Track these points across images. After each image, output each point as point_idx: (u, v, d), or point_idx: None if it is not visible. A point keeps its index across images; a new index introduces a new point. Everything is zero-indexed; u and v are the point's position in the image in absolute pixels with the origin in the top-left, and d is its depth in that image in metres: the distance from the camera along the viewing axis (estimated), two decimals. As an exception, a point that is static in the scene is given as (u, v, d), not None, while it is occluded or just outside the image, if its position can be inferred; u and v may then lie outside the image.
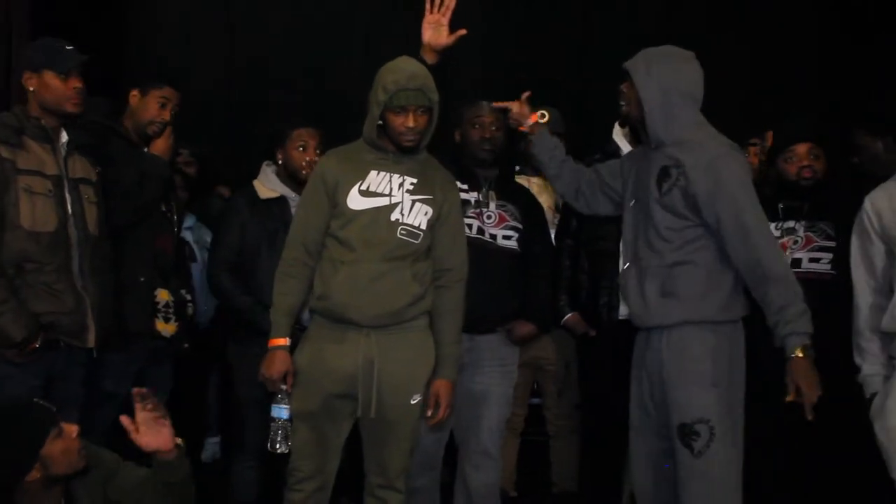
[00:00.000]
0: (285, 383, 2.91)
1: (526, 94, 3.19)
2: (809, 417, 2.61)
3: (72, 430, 2.45)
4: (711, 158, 2.67)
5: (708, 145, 2.71)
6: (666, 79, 2.74)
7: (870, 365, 2.87)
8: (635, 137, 3.55)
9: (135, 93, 3.38)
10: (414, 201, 2.92)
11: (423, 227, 2.92)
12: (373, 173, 2.92)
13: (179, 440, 2.59)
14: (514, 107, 3.19)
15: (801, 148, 3.40)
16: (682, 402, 2.70)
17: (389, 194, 2.90)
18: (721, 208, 2.66)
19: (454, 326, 3.00)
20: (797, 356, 2.60)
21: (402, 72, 2.84)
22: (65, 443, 2.42)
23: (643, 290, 2.79)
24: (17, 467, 2.38)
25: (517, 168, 4.35)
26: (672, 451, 2.74)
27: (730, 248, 2.68)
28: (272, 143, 3.61)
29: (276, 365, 2.89)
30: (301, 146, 3.49)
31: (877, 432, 2.79)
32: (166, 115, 3.36)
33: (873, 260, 2.88)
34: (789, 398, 2.62)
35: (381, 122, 2.88)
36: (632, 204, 2.88)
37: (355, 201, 2.90)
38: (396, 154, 2.92)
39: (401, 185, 2.92)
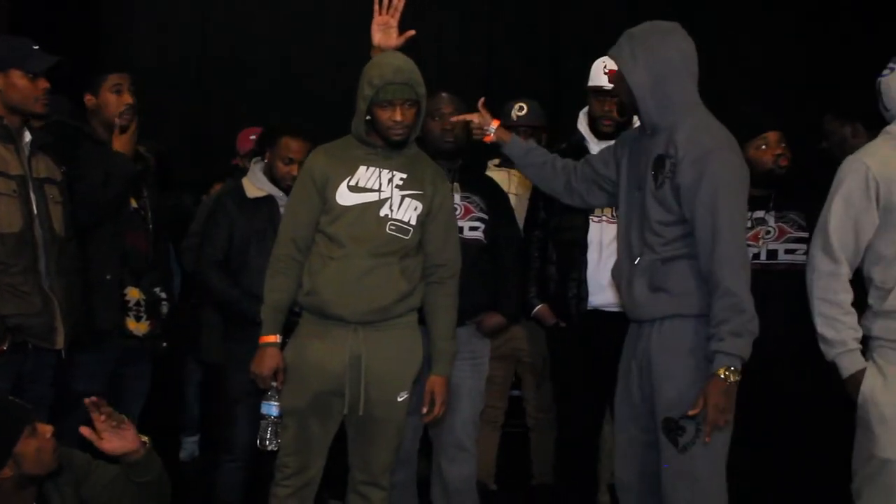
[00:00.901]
0: (276, 380, 2.91)
1: (482, 101, 3.11)
2: (706, 440, 2.53)
3: (46, 429, 2.43)
4: (702, 153, 2.55)
5: (702, 138, 2.59)
6: (652, 59, 2.60)
7: (853, 340, 2.71)
8: (594, 128, 3.57)
9: (88, 96, 3.34)
10: (403, 197, 2.92)
11: (413, 222, 2.92)
12: (362, 168, 2.91)
13: (145, 438, 2.57)
14: (475, 118, 3.09)
15: (773, 136, 3.38)
16: (670, 396, 2.62)
17: (378, 189, 2.90)
18: (697, 205, 2.56)
19: (448, 322, 3.00)
20: (717, 375, 2.50)
21: (387, 66, 2.83)
22: (38, 442, 2.40)
23: (632, 285, 2.72)
24: None
25: (498, 161, 4.34)
26: (656, 444, 2.68)
27: (697, 245, 2.59)
28: (264, 141, 3.59)
29: (267, 361, 2.90)
30: (288, 159, 3.45)
31: (880, 405, 2.65)
32: (127, 99, 3.31)
33: (863, 229, 2.69)
34: (691, 412, 2.53)
35: (368, 117, 2.88)
36: (630, 195, 2.78)
37: (344, 197, 2.89)
38: (385, 149, 2.92)
39: (390, 180, 2.91)
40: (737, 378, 2.50)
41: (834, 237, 2.70)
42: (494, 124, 3.06)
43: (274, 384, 2.90)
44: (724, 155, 2.58)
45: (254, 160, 3.64)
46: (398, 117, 2.83)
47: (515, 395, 4.59)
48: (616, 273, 2.86)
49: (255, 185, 3.53)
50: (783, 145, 3.38)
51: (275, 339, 2.93)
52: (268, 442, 2.92)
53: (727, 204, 2.54)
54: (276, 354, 2.91)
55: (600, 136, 3.51)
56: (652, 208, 2.65)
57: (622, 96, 2.74)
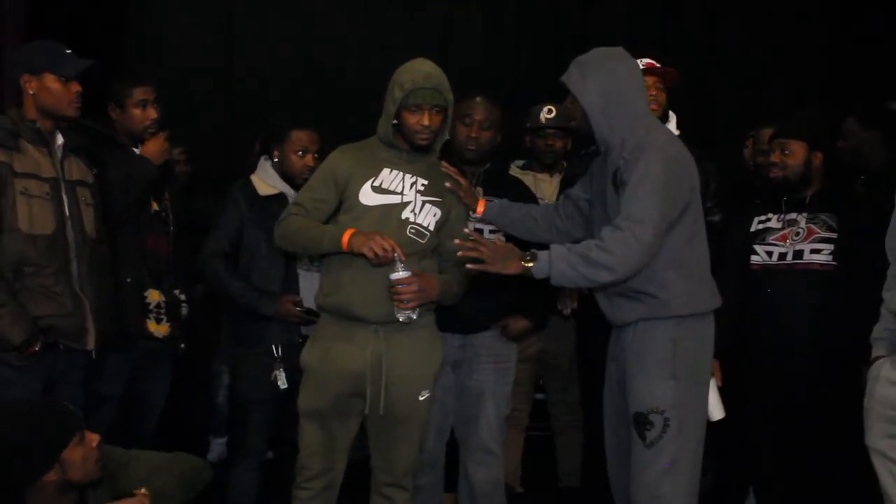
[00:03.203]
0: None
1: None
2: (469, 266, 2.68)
3: (93, 438, 2.47)
4: (638, 155, 2.67)
5: (641, 143, 2.69)
6: (603, 82, 2.75)
7: (880, 329, 2.82)
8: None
9: (112, 107, 3.36)
10: (424, 202, 2.95)
11: (431, 227, 2.95)
12: (385, 171, 2.94)
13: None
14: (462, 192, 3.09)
15: (774, 143, 3.42)
16: (639, 391, 2.75)
17: (402, 193, 2.92)
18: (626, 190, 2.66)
19: (452, 278, 2.98)
20: (527, 257, 2.65)
21: (418, 72, 2.87)
22: (85, 450, 2.43)
23: (608, 293, 2.84)
24: (37, 465, 2.39)
25: (522, 163, 4.33)
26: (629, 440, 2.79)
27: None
28: (270, 140, 3.57)
29: (370, 236, 2.75)
30: (300, 151, 3.42)
31: (866, 394, 2.77)
32: (152, 114, 3.34)
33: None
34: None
35: (395, 121, 2.90)
36: (599, 214, 2.89)
37: (367, 197, 2.91)
38: (410, 153, 2.95)
39: (413, 184, 2.94)
40: (527, 268, 2.64)
41: (887, 241, 2.81)
42: (480, 207, 3.13)
43: (396, 254, 2.75)
44: (654, 154, 2.66)
45: (263, 157, 3.58)
46: (426, 122, 2.86)
47: (539, 398, 4.58)
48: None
49: (267, 182, 3.48)
50: (777, 152, 3.39)
51: (352, 230, 2.80)
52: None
53: (649, 193, 2.60)
54: (366, 231, 2.79)
55: None
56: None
57: (576, 119, 2.83)
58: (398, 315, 2.83)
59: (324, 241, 2.86)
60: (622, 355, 2.83)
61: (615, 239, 2.57)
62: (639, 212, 2.59)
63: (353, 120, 3.20)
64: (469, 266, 2.68)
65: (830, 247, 3.28)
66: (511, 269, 2.66)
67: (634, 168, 2.64)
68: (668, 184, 2.64)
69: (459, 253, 2.70)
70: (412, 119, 2.87)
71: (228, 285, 3.39)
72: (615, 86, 2.75)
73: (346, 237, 2.79)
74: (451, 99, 2.91)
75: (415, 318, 2.86)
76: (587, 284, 2.68)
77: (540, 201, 3.86)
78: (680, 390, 2.73)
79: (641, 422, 2.73)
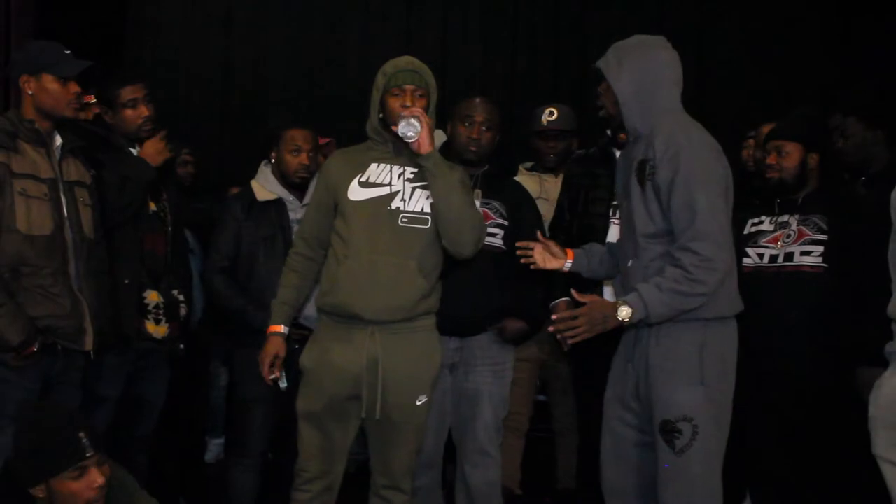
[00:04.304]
0: (274, 370, 3.00)
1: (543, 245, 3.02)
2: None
3: (96, 479, 2.39)
4: (675, 152, 2.60)
5: (676, 139, 2.62)
6: (638, 68, 2.69)
7: (891, 344, 2.73)
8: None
9: (105, 110, 3.35)
10: (414, 188, 2.93)
11: (427, 210, 2.92)
12: (373, 166, 2.95)
13: None
14: (537, 257, 2.98)
15: (772, 143, 3.41)
16: (667, 399, 2.66)
17: (389, 184, 2.92)
18: (674, 199, 2.59)
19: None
20: (617, 303, 2.59)
21: (399, 60, 2.94)
22: (80, 486, 2.37)
23: (628, 291, 2.74)
24: (25, 476, 2.38)
25: (530, 164, 4.32)
26: (653, 446, 2.71)
27: (676, 236, 2.61)
28: (268, 143, 3.59)
29: (266, 348, 3.00)
30: (294, 149, 3.47)
31: (870, 405, 2.71)
32: (144, 111, 3.32)
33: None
34: (555, 316, 2.63)
35: (381, 115, 2.92)
36: (621, 205, 2.84)
37: (355, 193, 2.92)
38: (397, 145, 2.94)
39: (401, 174, 2.94)
40: (626, 321, 2.57)
41: (889, 259, 2.73)
42: (569, 258, 3.01)
43: (274, 375, 2.99)
44: (695, 152, 2.61)
45: (263, 162, 3.62)
46: (409, 103, 2.87)
47: (542, 400, 4.57)
48: (616, 280, 2.88)
49: (265, 187, 3.51)
50: (773, 154, 3.38)
51: (279, 328, 3.02)
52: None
53: (703, 194, 2.57)
54: (277, 342, 3.01)
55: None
56: (638, 218, 2.70)
57: (608, 106, 2.78)
58: (401, 125, 2.80)
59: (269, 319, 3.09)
60: (642, 359, 2.74)
61: (699, 267, 2.54)
62: (703, 226, 2.55)
63: (352, 121, 3.22)
64: (570, 342, 2.64)
65: (821, 248, 3.27)
66: (611, 326, 2.61)
67: (677, 173, 2.58)
68: (720, 185, 2.62)
69: (558, 335, 2.65)
70: (396, 103, 2.88)
71: (229, 301, 3.45)
72: (650, 75, 2.69)
73: (268, 330, 3.04)
74: (434, 85, 2.94)
75: (411, 134, 2.80)
76: (683, 307, 2.61)
77: (545, 203, 3.88)
78: (708, 396, 2.65)
79: (669, 429, 2.64)
